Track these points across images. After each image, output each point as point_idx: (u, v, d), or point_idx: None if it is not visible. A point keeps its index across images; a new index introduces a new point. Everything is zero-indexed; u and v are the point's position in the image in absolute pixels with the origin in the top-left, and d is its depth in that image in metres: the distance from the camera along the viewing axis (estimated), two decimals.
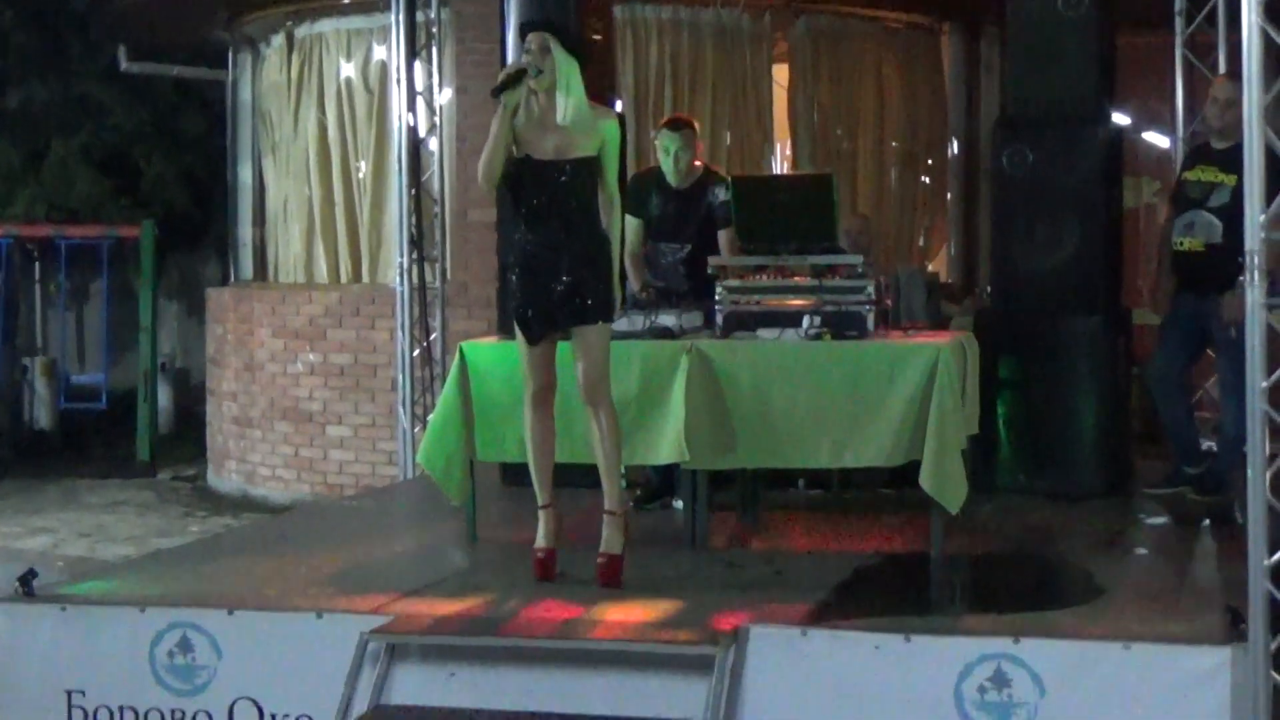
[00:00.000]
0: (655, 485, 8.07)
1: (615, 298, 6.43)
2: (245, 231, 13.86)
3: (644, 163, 10.12)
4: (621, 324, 6.85)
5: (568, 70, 6.24)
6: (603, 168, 6.33)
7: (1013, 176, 8.42)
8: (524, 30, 6.42)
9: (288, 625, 5.87)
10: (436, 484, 7.22)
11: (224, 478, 13.18)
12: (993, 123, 9.61)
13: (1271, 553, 5.27)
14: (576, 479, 6.83)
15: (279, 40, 12.80)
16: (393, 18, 10.25)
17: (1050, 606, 6.03)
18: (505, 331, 7.53)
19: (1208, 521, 7.64)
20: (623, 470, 6.54)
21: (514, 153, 6.29)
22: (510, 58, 8.98)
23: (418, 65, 10.37)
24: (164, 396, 16.34)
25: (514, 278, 6.41)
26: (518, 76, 6.25)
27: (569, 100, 6.23)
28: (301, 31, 12.56)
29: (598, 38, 8.91)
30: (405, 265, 10.17)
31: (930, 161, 12.99)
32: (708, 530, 7.08)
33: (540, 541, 6.44)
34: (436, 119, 10.55)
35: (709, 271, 7.29)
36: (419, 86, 10.39)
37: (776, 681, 5.42)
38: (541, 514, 6.45)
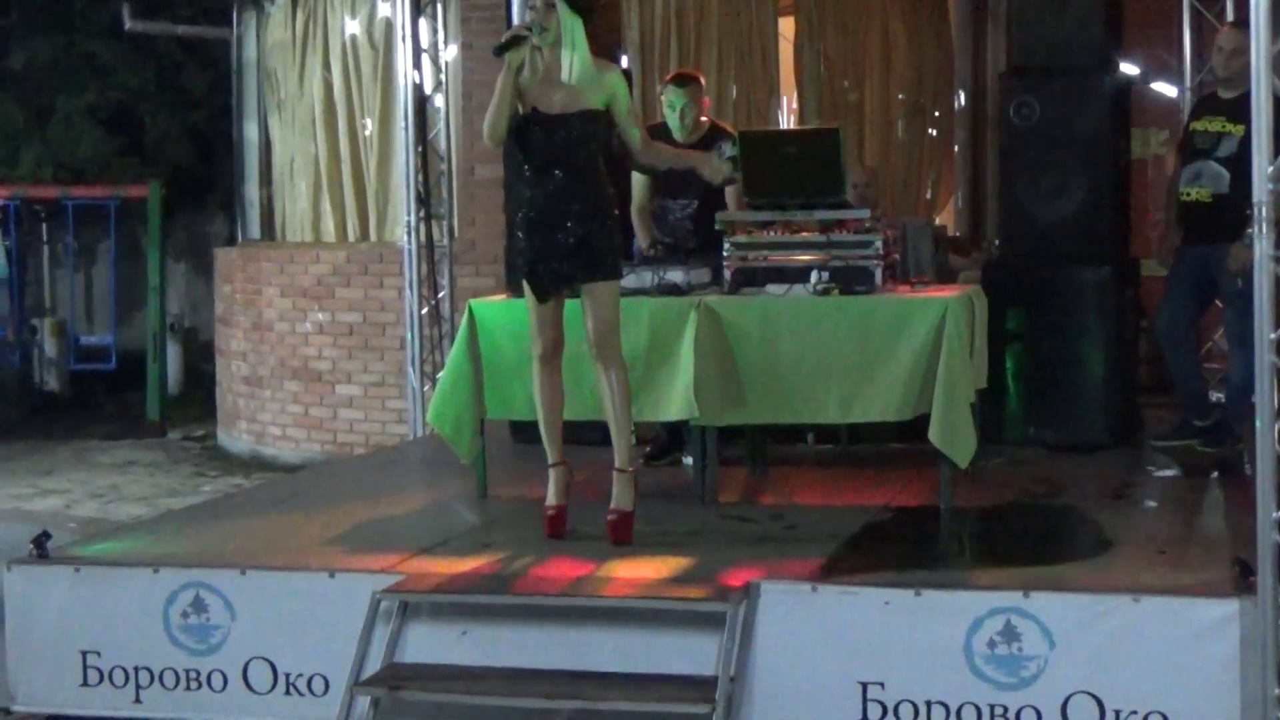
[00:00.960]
0: (664, 441, 8.08)
1: (620, 252, 6.50)
2: (252, 190, 13.84)
3: (651, 118, 10.08)
4: (630, 280, 6.86)
5: (572, 27, 6.24)
6: (617, 118, 6.35)
7: (1020, 127, 8.39)
8: None
9: (300, 584, 5.90)
10: (446, 442, 7.25)
11: (234, 437, 13.21)
12: (999, 73, 9.58)
13: None
14: (585, 436, 6.84)
15: None
16: None
17: (1059, 560, 6.06)
18: (513, 289, 7.53)
19: (1216, 473, 7.64)
20: (632, 427, 6.56)
21: (519, 109, 6.30)
22: (515, 13, 8.97)
23: (423, 21, 10.34)
24: (173, 356, 16.35)
25: (521, 234, 6.42)
26: (520, 36, 6.25)
27: (573, 56, 6.24)
28: None
29: None
30: (413, 223, 10.16)
31: (937, 113, 12.91)
32: (717, 486, 7.09)
33: (551, 499, 6.46)
34: (442, 76, 10.54)
35: (716, 227, 7.29)
36: (424, 43, 10.36)
37: (787, 637, 5.45)
38: (551, 472, 6.48)
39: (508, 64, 6.23)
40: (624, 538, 6.31)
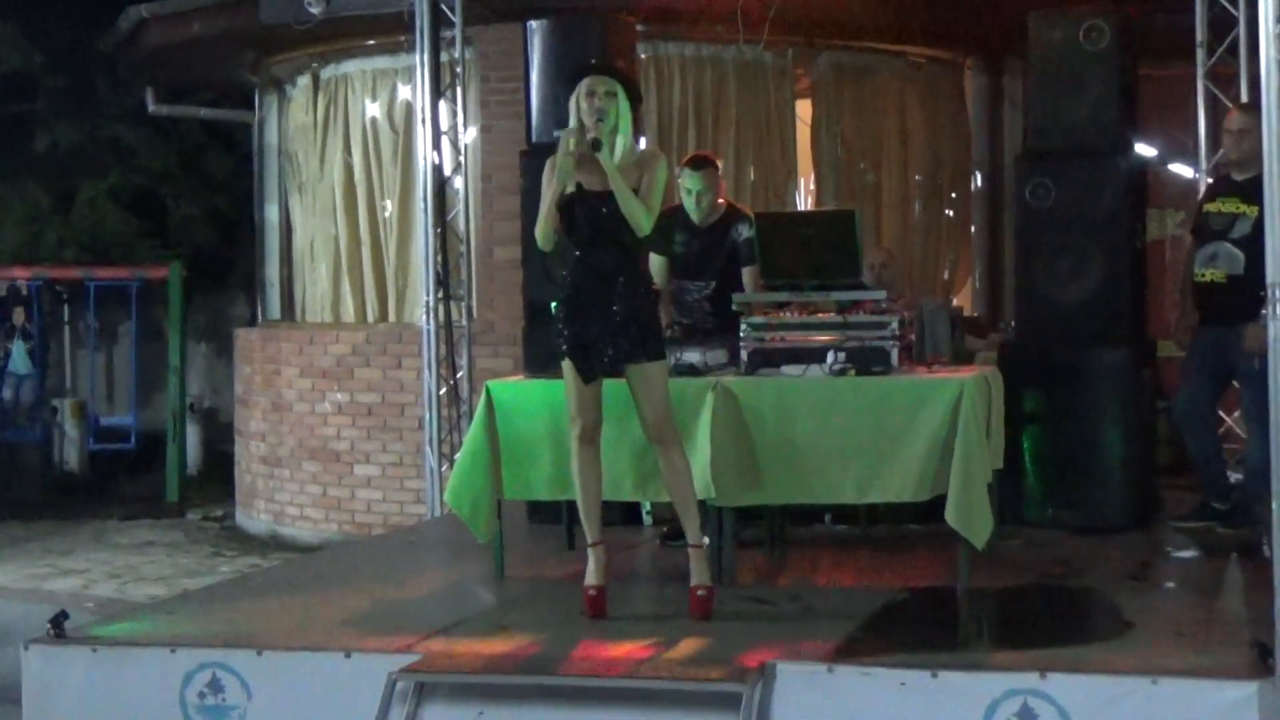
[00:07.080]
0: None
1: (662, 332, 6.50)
2: (272, 271, 13.94)
3: (668, 201, 10.14)
4: None
5: (626, 115, 6.35)
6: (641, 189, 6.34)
7: (1036, 209, 8.42)
8: (587, 71, 6.44)
9: (316, 665, 5.88)
10: (464, 523, 7.25)
11: (252, 517, 13.22)
12: (1016, 156, 9.63)
13: None
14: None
15: (305, 81, 12.88)
16: (417, 58, 10.32)
17: (1077, 641, 6.02)
18: (531, 369, 7.57)
19: (1235, 555, 7.61)
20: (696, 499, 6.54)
21: (566, 188, 6.33)
22: (534, 97, 9.03)
23: (442, 105, 10.44)
24: (192, 437, 16.42)
25: (564, 313, 6.38)
26: (598, 141, 6.26)
27: (619, 139, 6.32)
28: (327, 72, 12.64)
29: None
30: (431, 304, 10.22)
31: (954, 195, 13.00)
32: (734, 567, 7.08)
33: (591, 579, 6.44)
34: (461, 158, 10.61)
35: (733, 308, 7.32)
36: (444, 126, 10.46)
37: (804, 718, 5.42)
38: (591, 551, 6.47)
39: (560, 177, 6.26)
40: (707, 613, 6.33)
